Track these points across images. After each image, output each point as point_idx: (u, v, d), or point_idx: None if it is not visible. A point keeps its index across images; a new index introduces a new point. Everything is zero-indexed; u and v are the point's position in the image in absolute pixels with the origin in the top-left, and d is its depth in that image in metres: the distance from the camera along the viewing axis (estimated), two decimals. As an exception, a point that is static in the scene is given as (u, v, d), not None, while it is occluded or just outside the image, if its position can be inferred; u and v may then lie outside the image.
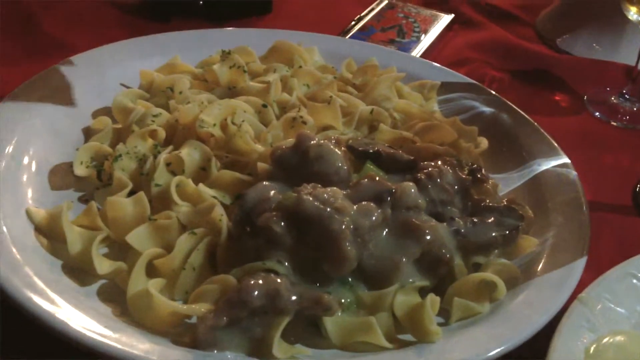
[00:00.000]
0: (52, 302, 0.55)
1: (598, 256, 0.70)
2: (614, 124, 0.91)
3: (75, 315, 0.54)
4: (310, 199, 0.59)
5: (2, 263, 0.57)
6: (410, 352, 0.55)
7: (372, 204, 0.61)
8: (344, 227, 0.58)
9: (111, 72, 0.83)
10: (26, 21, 0.98)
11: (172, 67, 0.85)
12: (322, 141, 0.65)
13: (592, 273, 0.63)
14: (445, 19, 1.09)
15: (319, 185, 0.61)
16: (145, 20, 1.02)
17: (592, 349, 0.55)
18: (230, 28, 0.95)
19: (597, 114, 0.92)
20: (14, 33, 0.95)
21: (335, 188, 0.61)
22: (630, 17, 0.86)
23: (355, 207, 0.60)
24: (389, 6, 1.12)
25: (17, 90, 0.76)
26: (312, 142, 0.65)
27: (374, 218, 0.60)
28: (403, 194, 0.63)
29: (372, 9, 1.11)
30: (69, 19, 1.00)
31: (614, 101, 0.94)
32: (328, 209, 0.58)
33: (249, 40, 0.90)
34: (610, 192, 0.79)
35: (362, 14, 1.09)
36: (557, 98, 0.96)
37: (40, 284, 0.56)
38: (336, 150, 0.64)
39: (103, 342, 0.51)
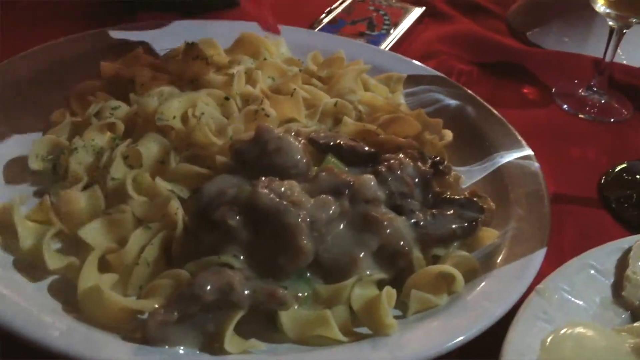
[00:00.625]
0: (2, 298, 0.53)
1: (561, 248, 0.69)
2: (582, 116, 0.91)
3: (23, 311, 0.53)
4: (266, 192, 0.58)
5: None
6: (365, 345, 0.54)
7: (329, 197, 0.60)
8: (300, 220, 0.57)
9: (71, 65, 0.81)
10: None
11: (135, 59, 0.84)
12: (281, 134, 0.64)
13: (554, 265, 0.62)
14: (415, 11, 1.09)
15: (276, 179, 0.60)
16: (112, 16, 1.00)
17: (548, 340, 0.54)
18: (196, 20, 0.93)
19: (565, 106, 0.92)
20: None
21: (292, 181, 0.61)
22: (597, 10, 0.85)
23: (312, 200, 0.59)
24: (360, -1, 1.12)
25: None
26: (271, 135, 0.64)
27: (331, 211, 0.59)
28: (362, 187, 0.62)
29: (343, 1, 1.10)
30: (32, 14, 0.99)
31: (582, 94, 0.93)
32: (284, 203, 0.58)
33: (215, 32, 0.89)
34: (576, 185, 0.79)
35: (333, 7, 1.08)
36: (525, 91, 0.96)
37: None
38: (295, 143, 0.63)
39: (49, 339, 0.50)
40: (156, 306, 0.54)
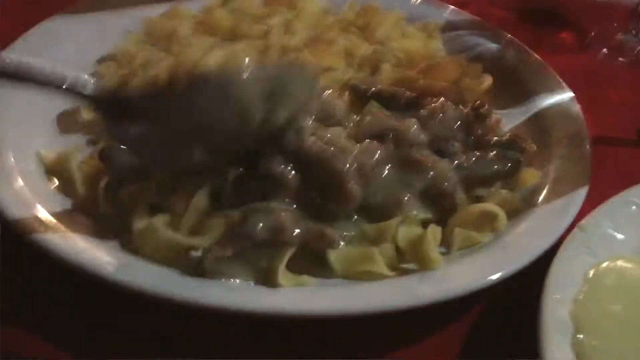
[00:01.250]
0: (65, 238, 0.56)
1: (601, 188, 0.69)
2: (621, 59, 0.91)
3: (88, 248, 0.56)
4: (313, 139, 0.60)
5: (17, 204, 0.58)
6: (412, 279, 0.56)
7: (375, 142, 0.62)
8: (347, 166, 0.59)
9: (113, 20, 0.83)
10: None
11: (174, 13, 0.85)
12: None
13: (595, 205, 0.63)
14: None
15: (322, 126, 0.62)
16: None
17: (591, 273, 0.56)
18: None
19: (604, 50, 0.92)
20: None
21: (338, 127, 0.62)
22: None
23: (357, 145, 0.61)
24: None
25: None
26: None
27: (376, 156, 0.61)
28: (405, 131, 0.64)
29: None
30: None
31: (620, 37, 0.93)
32: (331, 149, 0.59)
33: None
34: (615, 127, 0.79)
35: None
36: (562, 35, 0.96)
37: (52, 220, 0.58)
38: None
39: (113, 272, 0.53)
40: (210, 242, 0.56)
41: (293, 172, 0.59)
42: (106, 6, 0.84)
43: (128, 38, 0.80)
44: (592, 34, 0.95)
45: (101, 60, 0.79)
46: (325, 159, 0.58)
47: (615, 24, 0.95)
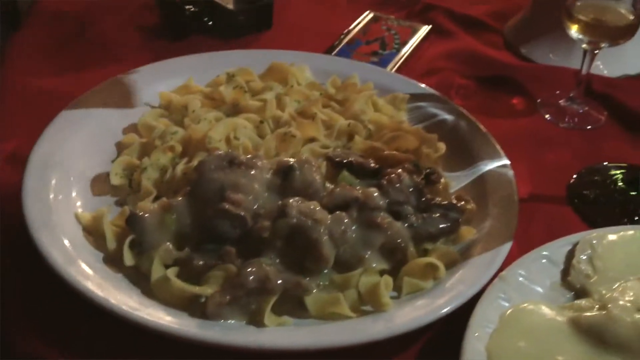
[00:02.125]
0: (100, 286, 0.73)
1: (531, 240, 0.86)
2: (562, 125, 1.06)
3: (116, 295, 0.72)
4: (295, 212, 0.76)
5: (61, 256, 0.75)
6: (368, 319, 0.73)
7: (343, 213, 0.78)
8: (321, 234, 0.75)
9: (138, 95, 1.01)
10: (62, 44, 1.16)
11: (187, 88, 1.03)
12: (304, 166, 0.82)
13: (523, 254, 0.80)
14: (422, 29, 1.25)
15: (302, 200, 0.78)
16: (163, 40, 1.19)
17: (506, 314, 0.72)
18: (234, 50, 1.11)
19: (547, 116, 1.08)
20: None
21: (314, 202, 0.78)
22: (571, 36, 1.01)
23: (329, 216, 0.77)
24: (374, 19, 1.28)
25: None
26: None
27: (343, 226, 0.77)
28: (368, 198, 0.80)
29: (359, 23, 1.27)
30: (99, 41, 1.18)
31: (563, 104, 1.09)
32: (309, 221, 0.76)
33: (250, 60, 1.07)
34: (549, 186, 0.95)
35: (350, 28, 1.25)
36: (514, 101, 1.11)
37: (90, 272, 0.75)
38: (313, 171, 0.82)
39: (140, 316, 0.70)
40: (212, 291, 0.73)
41: (278, 237, 0.75)
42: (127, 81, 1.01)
43: (149, 113, 0.97)
44: (538, 100, 1.11)
45: (125, 132, 0.96)
46: (305, 229, 0.75)
47: (558, 92, 1.11)
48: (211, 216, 0.77)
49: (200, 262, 0.75)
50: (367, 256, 0.77)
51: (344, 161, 0.87)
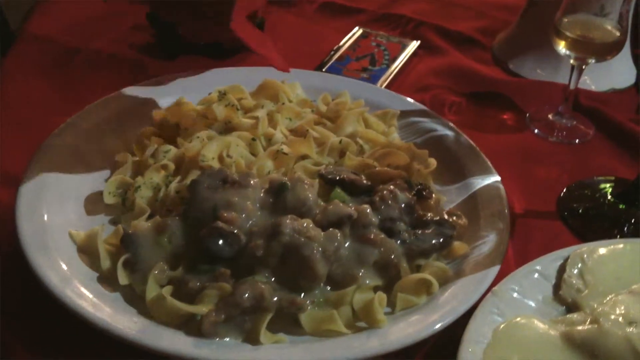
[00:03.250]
0: (94, 306, 0.73)
1: (522, 254, 0.87)
2: (551, 139, 1.08)
3: (112, 315, 0.73)
4: (288, 231, 0.76)
5: (57, 277, 0.75)
6: (362, 336, 0.73)
7: (335, 230, 0.78)
8: (314, 251, 0.76)
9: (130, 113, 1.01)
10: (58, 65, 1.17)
11: (179, 106, 1.03)
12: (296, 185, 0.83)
13: (515, 268, 0.81)
14: (412, 45, 1.26)
15: (296, 218, 0.78)
16: (156, 59, 1.20)
17: (499, 329, 0.72)
18: (226, 68, 1.12)
19: (536, 130, 1.09)
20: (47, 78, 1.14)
21: (308, 219, 0.78)
22: (559, 52, 1.02)
23: (322, 234, 0.77)
24: (364, 35, 1.29)
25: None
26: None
27: (336, 243, 0.77)
28: (360, 215, 0.81)
29: (349, 39, 1.28)
30: (91, 61, 1.19)
31: (551, 118, 1.10)
32: (302, 239, 0.76)
33: (242, 78, 1.08)
34: (540, 200, 0.96)
35: (340, 44, 1.26)
36: (504, 117, 1.13)
37: (86, 292, 0.75)
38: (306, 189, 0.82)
39: (137, 335, 0.70)
40: (207, 310, 0.73)
41: (272, 254, 0.76)
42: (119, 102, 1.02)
43: (141, 131, 0.98)
44: (527, 115, 1.12)
45: (118, 150, 0.97)
46: (298, 246, 0.75)
47: (546, 106, 1.12)
48: (205, 235, 0.77)
49: (197, 284, 0.75)
50: (360, 273, 0.78)
51: (337, 178, 0.87)
